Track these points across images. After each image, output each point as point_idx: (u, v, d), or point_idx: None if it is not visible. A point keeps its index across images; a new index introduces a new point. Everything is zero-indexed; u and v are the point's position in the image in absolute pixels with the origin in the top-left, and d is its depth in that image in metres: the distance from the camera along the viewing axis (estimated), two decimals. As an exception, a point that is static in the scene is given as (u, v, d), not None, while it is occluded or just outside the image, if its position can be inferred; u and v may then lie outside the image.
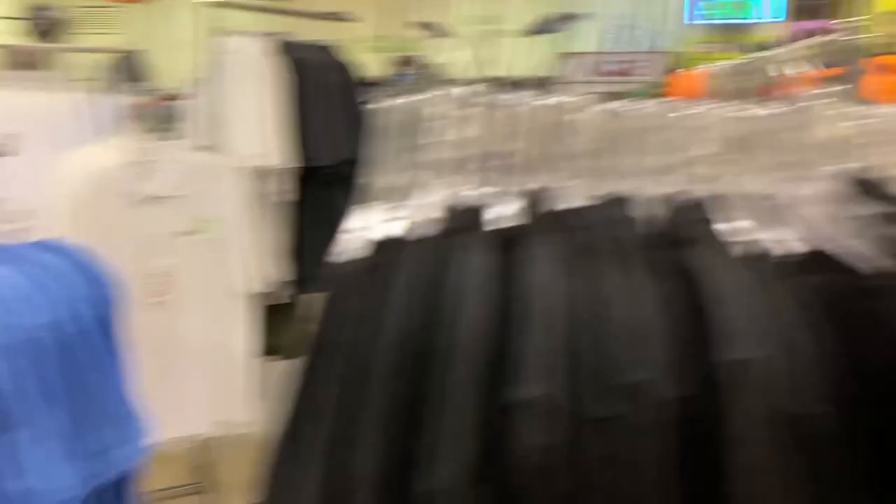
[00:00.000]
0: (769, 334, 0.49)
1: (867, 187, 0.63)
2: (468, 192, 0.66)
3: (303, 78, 2.27)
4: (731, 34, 4.91)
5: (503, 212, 0.63)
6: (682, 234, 0.61)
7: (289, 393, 0.57)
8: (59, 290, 0.94)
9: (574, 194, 0.67)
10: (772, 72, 0.90)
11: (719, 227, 0.63)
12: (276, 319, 2.08)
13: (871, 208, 0.60)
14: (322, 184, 2.15)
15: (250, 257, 1.99)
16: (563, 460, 0.47)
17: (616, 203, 0.65)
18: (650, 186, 0.69)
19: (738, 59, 1.37)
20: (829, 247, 0.60)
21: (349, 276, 0.58)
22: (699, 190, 0.68)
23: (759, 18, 4.74)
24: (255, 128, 2.15)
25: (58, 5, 5.03)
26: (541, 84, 4.07)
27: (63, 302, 0.98)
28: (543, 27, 4.22)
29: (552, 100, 0.72)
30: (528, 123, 0.71)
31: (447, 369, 0.50)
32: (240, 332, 1.93)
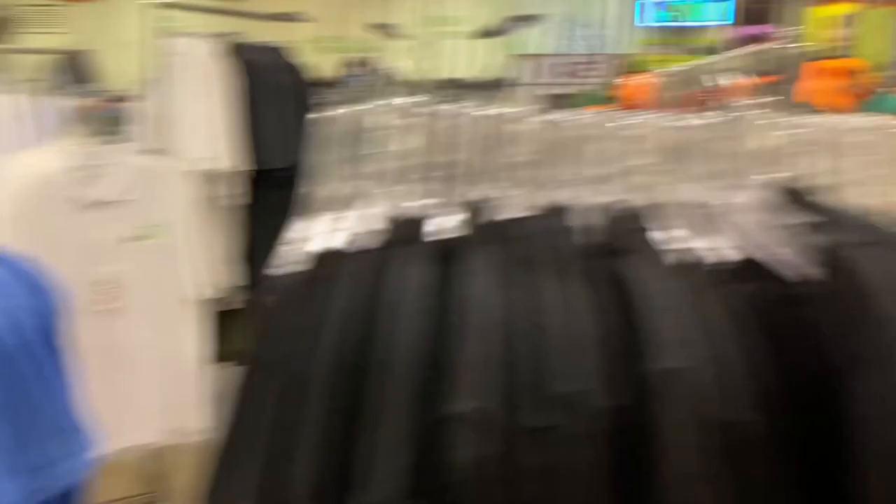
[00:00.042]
0: (698, 343, 0.51)
1: (796, 196, 0.65)
2: (410, 204, 0.67)
3: (253, 80, 2.25)
4: (681, 37, 5.01)
5: (444, 223, 0.64)
6: (618, 243, 0.62)
7: (228, 405, 0.57)
8: (-2, 300, 0.91)
9: (514, 204, 0.68)
10: (706, 81, 0.92)
11: (655, 235, 0.64)
12: (229, 325, 2.05)
13: (799, 217, 0.62)
14: (274, 187, 2.13)
15: (201, 263, 1.96)
16: (498, 472, 0.47)
17: (555, 213, 0.66)
18: (589, 196, 0.70)
19: (681, 65, 1.39)
20: (759, 255, 0.62)
21: (288, 288, 0.58)
22: (636, 199, 0.69)
23: (708, 22, 4.84)
24: (204, 131, 2.12)
25: (0, 4, 4.90)
26: (495, 85, 4.09)
27: (3, 313, 0.95)
28: (498, 29, 4.25)
29: (493, 110, 0.73)
30: (469, 133, 0.72)
31: (382, 383, 0.50)
32: (191, 339, 1.91)
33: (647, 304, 0.53)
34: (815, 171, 0.70)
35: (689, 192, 0.71)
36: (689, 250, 0.63)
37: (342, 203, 0.68)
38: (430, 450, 0.48)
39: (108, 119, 2.14)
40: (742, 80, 0.76)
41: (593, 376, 0.49)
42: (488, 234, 0.61)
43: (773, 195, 0.66)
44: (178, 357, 1.88)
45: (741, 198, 0.69)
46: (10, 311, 0.93)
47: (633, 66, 4.05)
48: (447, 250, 0.58)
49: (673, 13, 4.99)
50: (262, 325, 0.57)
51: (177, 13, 2.31)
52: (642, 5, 5.01)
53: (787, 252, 0.61)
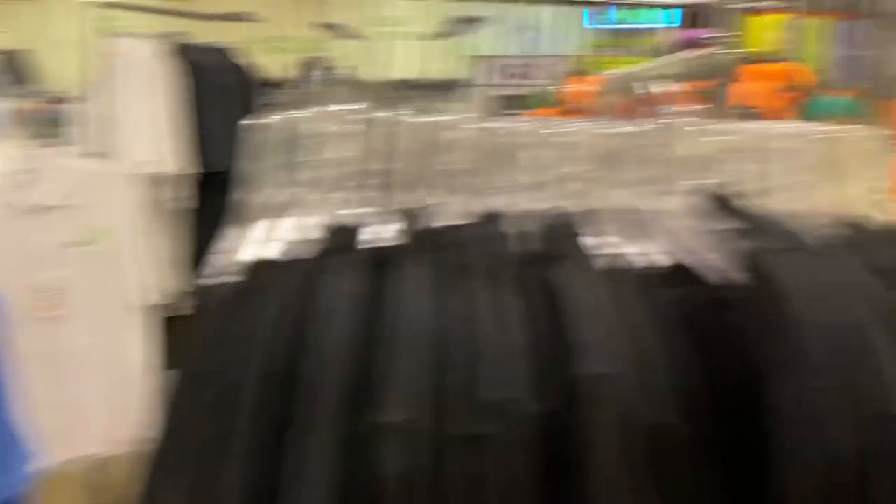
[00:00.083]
0: (624, 348, 0.52)
1: (723, 202, 0.67)
2: (345, 212, 0.67)
3: (199, 81, 2.22)
4: (628, 39, 5.09)
5: (379, 231, 0.64)
6: (551, 249, 0.63)
7: (161, 415, 0.56)
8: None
9: (451, 212, 0.68)
10: (638, 89, 0.94)
11: (588, 241, 0.65)
12: (177, 331, 2.02)
13: (726, 223, 0.64)
14: (221, 190, 2.09)
15: (146, 268, 1.92)
16: (427, 483, 0.48)
17: (490, 220, 0.66)
18: (524, 202, 0.71)
19: (620, 70, 1.42)
20: (688, 260, 0.64)
21: (220, 298, 0.57)
22: (570, 205, 0.70)
23: (655, 24, 4.93)
24: (148, 133, 2.09)
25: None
26: (447, 87, 4.11)
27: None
28: (449, 30, 4.26)
29: (429, 117, 0.74)
30: (406, 140, 0.72)
31: (311, 395, 0.50)
32: (137, 346, 1.87)
33: (576, 309, 0.54)
34: (742, 177, 0.72)
35: (621, 198, 0.72)
36: (620, 256, 0.65)
37: (276, 211, 0.68)
38: (359, 461, 0.48)
39: (48, 121, 2.09)
40: (673, 87, 0.78)
41: (523, 383, 0.50)
42: (423, 242, 0.61)
43: (701, 201, 0.68)
44: (123, 364, 1.84)
45: (671, 204, 0.70)
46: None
47: (582, 69, 4.10)
48: (381, 259, 0.58)
49: (621, 15, 5.07)
50: (194, 335, 0.57)
51: (119, 13, 2.26)
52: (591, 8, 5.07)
53: (713, 257, 0.62)
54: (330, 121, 0.73)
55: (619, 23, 5.02)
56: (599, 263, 0.62)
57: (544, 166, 0.74)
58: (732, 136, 0.75)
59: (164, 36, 2.24)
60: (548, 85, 4.05)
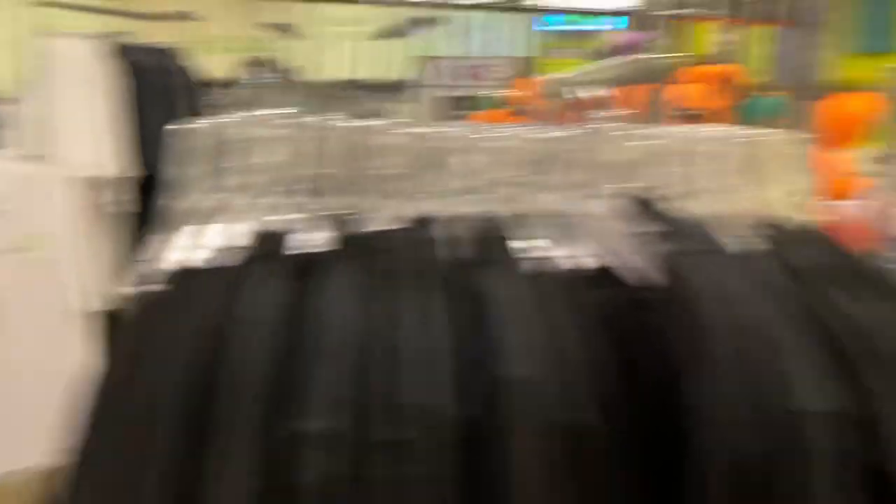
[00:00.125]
0: (546, 351, 0.53)
1: (647, 206, 0.68)
2: (274, 218, 0.66)
3: (140, 82, 2.18)
4: (577, 41, 5.15)
5: (308, 237, 0.64)
6: (479, 254, 0.64)
7: (80, 428, 0.55)
8: None
9: (381, 217, 0.68)
10: (566, 94, 0.95)
11: (516, 245, 0.66)
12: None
13: (649, 226, 0.66)
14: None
15: (86, 274, 1.88)
16: (348, 490, 0.48)
17: (420, 225, 0.67)
18: (455, 207, 0.71)
19: (564, 71, 1.44)
20: (613, 262, 0.65)
21: (140, 307, 0.56)
22: (500, 210, 0.71)
23: (603, 26, 5.00)
24: (87, 135, 2.04)
25: None
26: (396, 87, 4.10)
27: None
28: (399, 30, 4.25)
29: (361, 121, 0.74)
30: (337, 145, 0.72)
31: (229, 405, 0.50)
32: (77, 354, 1.83)
33: (499, 313, 0.55)
34: (667, 181, 0.74)
35: (550, 202, 0.73)
36: (548, 259, 0.66)
37: (203, 217, 0.67)
38: (279, 470, 0.48)
39: (-20, 123, 2.03)
40: (601, 92, 0.79)
41: (445, 388, 0.50)
42: (352, 247, 0.61)
43: (626, 204, 0.69)
44: (64, 373, 1.80)
45: (598, 207, 0.72)
46: None
47: (530, 70, 4.14)
48: (308, 265, 0.58)
49: (569, 17, 5.13)
50: (113, 347, 0.56)
51: (56, 11, 2.21)
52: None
53: (636, 260, 0.64)
54: (258, 125, 0.73)
55: (567, 24, 5.08)
56: (527, 267, 0.63)
57: (475, 171, 0.74)
58: (658, 141, 0.77)
59: (103, 36, 2.19)
60: (496, 86, 4.07)
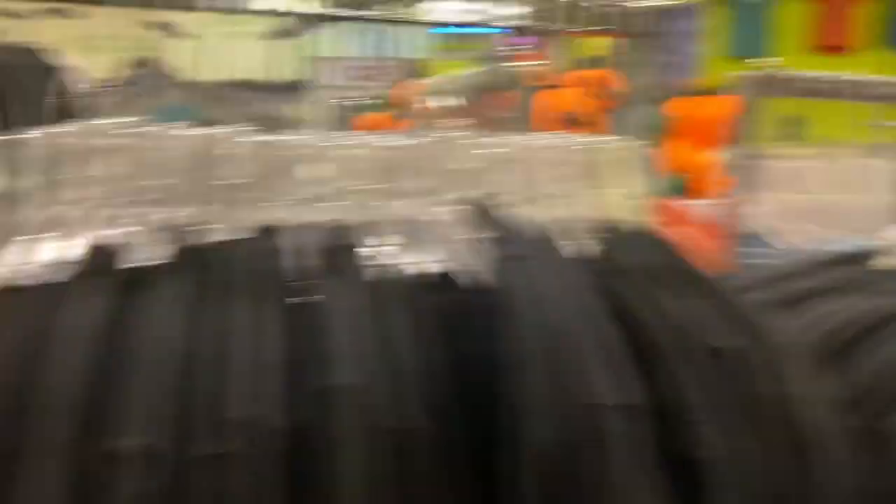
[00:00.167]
0: (376, 358, 0.54)
1: (488, 212, 0.71)
2: (111, 231, 0.65)
3: (5, 83, 2.07)
4: (469, 43, 5.22)
5: (144, 250, 0.63)
6: (324, 263, 0.65)
7: None
8: None
9: (224, 227, 0.68)
10: (417, 102, 0.97)
11: (363, 253, 0.67)
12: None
13: (487, 232, 0.68)
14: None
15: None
16: (168, 506, 0.48)
17: (265, 235, 0.67)
18: (303, 216, 0.72)
19: (438, 77, 1.47)
20: (453, 267, 0.67)
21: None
22: (350, 217, 0.72)
23: (490, 29, 5.08)
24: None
25: None
26: (289, 88, 4.05)
27: None
28: (290, 30, 4.19)
29: (204, 130, 0.73)
30: (179, 155, 0.71)
31: (42, 426, 0.48)
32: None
33: (333, 323, 0.56)
34: (510, 187, 0.77)
35: (398, 209, 0.75)
36: (393, 266, 0.67)
37: (36, 231, 0.65)
38: (94, 492, 0.47)
39: None
40: (453, 101, 0.81)
41: (272, 399, 0.51)
42: (188, 260, 0.61)
43: (468, 211, 0.72)
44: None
45: (443, 214, 0.74)
46: None
47: (421, 72, 4.17)
48: (138, 279, 0.57)
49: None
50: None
51: None
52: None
53: (473, 264, 0.66)
54: (96, 135, 0.71)
55: (459, 26, 5.14)
56: (370, 274, 0.64)
57: (324, 179, 0.75)
58: (502, 149, 0.79)
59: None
60: (387, 89, 4.08)
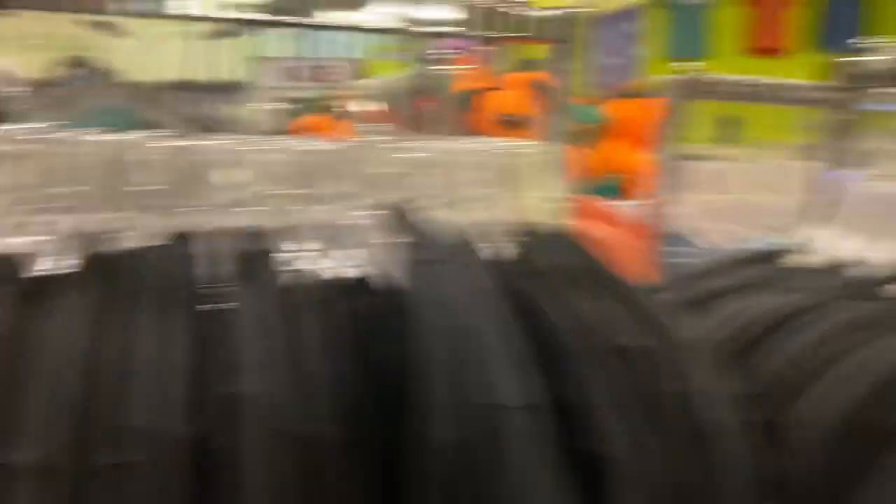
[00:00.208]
0: (283, 364, 0.54)
1: (406, 216, 0.71)
2: (17, 240, 0.64)
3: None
4: (407, 43, 5.21)
5: (52, 259, 0.62)
6: (238, 269, 0.64)
7: None
8: None
9: (137, 234, 0.67)
10: (335, 108, 0.97)
11: (280, 258, 0.67)
12: None
13: (405, 236, 0.69)
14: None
15: None
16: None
17: (178, 242, 0.66)
18: (221, 221, 0.71)
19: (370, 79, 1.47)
20: (369, 272, 0.67)
21: None
22: (269, 222, 0.72)
23: (412, 34, 5.07)
24: None
25: None
26: (231, 88, 3.98)
27: None
28: (232, 30, 4.13)
29: (115, 135, 0.72)
30: (92, 160, 0.70)
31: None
32: None
33: (241, 330, 0.56)
34: (430, 191, 0.78)
35: (318, 214, 0.75)
36: (309, 271, 0.67)
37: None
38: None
39: None
40: (374, 106, 0.82)
41: (175, 408, 0.51)
42: (96, 268, 0.60)
43: (387, 216, 0.72)
44: None
45: (364, 218, 0.74)
46: None
47: (364, 72, 4.16)
48: (43, 289, 0.56)
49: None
50: None
51: None
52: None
53: (388, 268, 0.67)
54: (4, 141, 0.69)
55: (381, 32, 5.10)
56: (283, 280, 0.64)
57: (242, 184, 0.74)
58: (423, 154, 0.80)
59: None
60: (331, 89, 4.06)
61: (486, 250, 0.71)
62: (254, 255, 0.67)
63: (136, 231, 0.68)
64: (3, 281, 0.57)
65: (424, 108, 1.38)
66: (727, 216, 1.39)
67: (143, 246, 0.65)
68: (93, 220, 0.68)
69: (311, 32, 4.64)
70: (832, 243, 0.92)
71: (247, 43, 4.28)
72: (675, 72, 1.48)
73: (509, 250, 0.73)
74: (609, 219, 1.50)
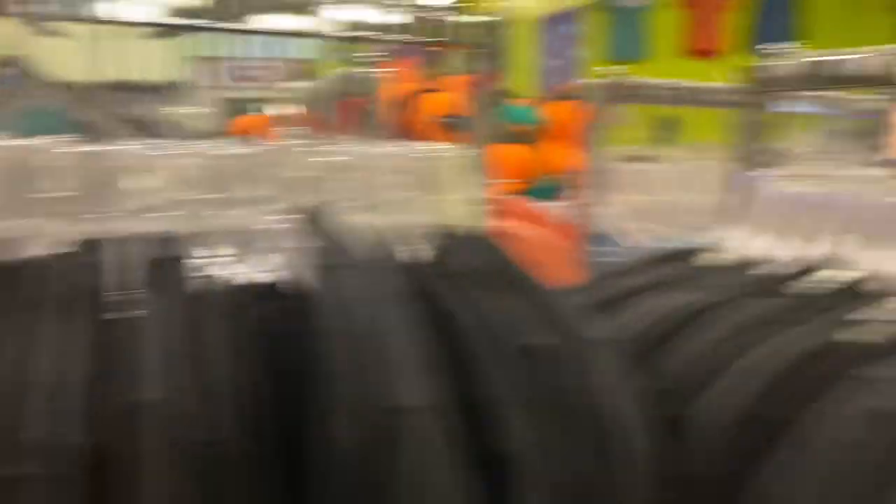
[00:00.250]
0: (185, 371, 0.54)
1: (320, 220, 0.72)
2: None
3: None
4: (351, 44, 5.19)
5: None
6: (146, 276, 0.64)
7: None
8: None
9: (43, 241, 0.66)
10: (268, 110, 0.97)
11: (191, 264, 0.67)
12: None
13: (318, 240, 0.69)
14: None
15: None
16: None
17: (87, 249, 0.65)
18: (132, 227, 0.70)
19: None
20: (282, 277, 0.68)
21: None
22: (182, 228, 0.71)
23: (326, 38, 5.06)
24: None
25: None
26: (169, 88, 3.92)
27: None
28: (171, 29, 4.05)
29: (22, 141, 0.70)
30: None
31: None
32: None
33: (146, 337, 0.55)
34: (349, 195, 0.78)
35: (232, 218, 0.74)
36: (220, 277, 0.67)
37: None
38: None
39: None
40: (293, 109, 0.82)
41: (71, 418, 0.50)
42: (-5, 276, 0.59)
43: (302, 219, 0.72)
44: None
45: (276, 223, 0.74)
46: None
47: (308, 73, 4.13)
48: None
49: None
50: None
51: None
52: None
53: (301, 273, 0.67)
54: None
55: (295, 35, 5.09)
56: (192, 287, 0.64)
57: (155, 189, 0.74)
58: (341, 157, 0.80)
59: None
60: (268, 89, 4.02)
61: (402, 253, 0.72)
62: (163, 262, 0.66)
63: (44, 238, 0.67)
64: None
65: (351, 110, 1.38)
66: (650, 216, 1.43)
67: (47, 254, 0.64)
68: (-3, 227, 0.67)
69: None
70: (743, 242, 0.95)
71: (186, 43, 4.21)
72: (598, 76, 1.51)
73: (426, 253, 0.74)
74: (537, 219, 1.53)
